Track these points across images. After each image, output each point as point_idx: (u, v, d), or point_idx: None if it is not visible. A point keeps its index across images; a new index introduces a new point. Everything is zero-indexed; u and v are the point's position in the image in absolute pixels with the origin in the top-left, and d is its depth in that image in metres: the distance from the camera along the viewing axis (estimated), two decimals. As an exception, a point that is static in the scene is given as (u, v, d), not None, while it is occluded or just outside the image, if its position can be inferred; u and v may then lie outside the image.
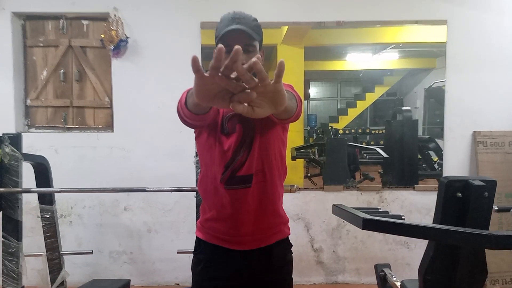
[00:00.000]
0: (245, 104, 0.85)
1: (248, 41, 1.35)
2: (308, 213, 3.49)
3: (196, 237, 1.52)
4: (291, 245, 1.57)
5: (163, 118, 3.40)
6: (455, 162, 3.49)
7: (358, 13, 3.44)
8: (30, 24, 3.54)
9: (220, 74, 0.82)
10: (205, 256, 1.47)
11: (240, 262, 1.44)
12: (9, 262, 2.46)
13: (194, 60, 0.80)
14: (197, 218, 2.56)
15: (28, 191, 2.56)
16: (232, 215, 1.41)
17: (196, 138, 1.47)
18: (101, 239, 3.49)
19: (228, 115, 1.39)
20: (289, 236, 1.56)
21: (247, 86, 0.83)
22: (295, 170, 3.79)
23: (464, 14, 3.42)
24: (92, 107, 3.54)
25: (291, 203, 3.45)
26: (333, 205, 1.59)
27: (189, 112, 1.19)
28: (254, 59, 0.78)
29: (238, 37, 1.32)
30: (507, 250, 3.04)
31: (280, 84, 0.86)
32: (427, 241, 1.53)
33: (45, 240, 2.77)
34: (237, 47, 0.77)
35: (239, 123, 1.38)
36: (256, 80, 0.81)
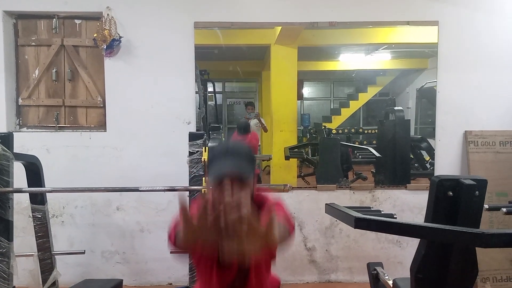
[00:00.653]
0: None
1: (242, 178, 1.33)
2: (301, 213, 3.50)
3: None
4: None
5: (156, 118, 3.39)
6: (447, 162, 3.52)
7: (350, 14, 3.45)
8: (22, 23, 3.51)
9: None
10: None
11: None
12: (0, 263, 2.43)
13: (183, 210, 0.87)
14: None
15: (19, 191, 2.54)
16: None
17: (196, 266, 1.50)
18: (93, 239, 3.47)
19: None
20: None
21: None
22: (288, 170, 3.80)
23: (455, 15, 3.45)
24: (84, 106, 3.52)
25: (285, 203, 3.45)
26: (326, 204, 1.60)
27: (179, 246, 1.23)
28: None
29: (232, 173, 1.30)
30: (498, 248, 3.08)
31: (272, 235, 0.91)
32: (419, 239, 1.54)
33: (36, 240, 2.75)
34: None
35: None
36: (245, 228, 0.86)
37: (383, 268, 2.19)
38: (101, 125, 3.51)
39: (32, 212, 2.72)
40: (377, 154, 3.80)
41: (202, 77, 3.83)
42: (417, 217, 3.48)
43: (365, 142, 4.24)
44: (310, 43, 3.73)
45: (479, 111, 3.49)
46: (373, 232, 3.36)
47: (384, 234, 3.39)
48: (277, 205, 1.41)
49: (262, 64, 4.27)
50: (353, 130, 4.32)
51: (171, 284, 3.49)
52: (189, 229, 0.87)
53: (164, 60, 3.39)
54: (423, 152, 3.80)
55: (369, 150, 3.92)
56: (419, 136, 3.82)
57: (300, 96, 3.96)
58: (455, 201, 1.42)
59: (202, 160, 2.55)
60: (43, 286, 2.70)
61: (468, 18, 3.45)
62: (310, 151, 4.00)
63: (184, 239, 0.91)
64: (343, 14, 3.45)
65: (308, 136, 4.15)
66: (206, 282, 1.43)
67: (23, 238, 3.33)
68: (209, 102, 4.19)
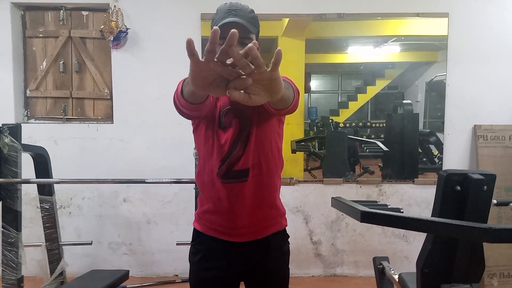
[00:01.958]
0: (241, 91, 0.84)
1: (244, 34, 1.32)
2: (308, 206, 3.50)
3: (194, 228, 1.53)
4: (288, 236, 1.57)
5: (162, 110, 3.39)
6: (455, 156, 3.48)
7: (359, 5, 3.41)
8: (29, 14, 3.52)
9: (215, 60, 0.80)
10: (203, 246, 1.47)
11: (237, 253, 1.44)
12: (9, 252, 2.46)
13: (189, 43, 0.78)
14: (195, 210, 2.56)
15: (27, 181, 2.56)
16: (229, 208, 1.41)
17: (193, 131, 1.46)
18: (100, 230, 3.50)
19: (225, 109, 1.38)
20: (286, 227, 1.56)
21: (242, 73, 0.81)
22: (295, 163, 3.78)
23: (466, 6, 3.39)
24: (91, 98, 3.53)
25: (291, 196, 3.45)
26: (332, 198, 1.59)
27: (185, 102, 1.17)
28: (250, 45, 0.77)
29: (236, 26, 1.29)
30: (505, 244, 3.05)
31: (276, 72, 0.85)
32: (426, 234, 1.53)
33: (44, 231, 2.77)
34: (233, 30, 0.75)
35: (235, 117, 1.37)
36: (252, 66, 0.80)
37: (389, 263, 2.17)
38: (108, 117, 3.53)
39: (40, 203, 2.75)
40: (385, 148, 3.77)
41: (209, 70, 3.81)
42: (424, 211, 3.46)
43: (372, 136, 4.20)
44: (318, 35, 3.69)
45: (489, 105, 3.44)
46: (379, 226, 3.35)
47: (390, 228, 3.38)
48: (284, 77, 1.39)
49: (269, 57, 4.22)
50: (360, 124, 4.28)
51: (177, 275, 3.52)
52: (196, 66, 0.82)
53: (171, 52, 3.38)
54: (431, 146, 3.76)
55: (376, 144, 3.89)
56: (428, 130, 3.78)
57: (307, 89, 3.93)
58: (463, 196, 1.40)
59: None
60: (50, 276, 2.73)
61: (478, 11, 3.40)
62: (317, 144, 3.97)
63: (191, 78, 0.86)
64: (351, 6, 3.41)
65: (315, 130, 4.12)
66: (206, 152, 1.40)
67: (31, 229, 3.37)
68: (216, 95, 4.17)
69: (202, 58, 0.82)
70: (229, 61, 0.81)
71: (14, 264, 2.47)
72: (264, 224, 1.47)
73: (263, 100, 0.89)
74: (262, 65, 0.81)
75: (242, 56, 0.78)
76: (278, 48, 0.78)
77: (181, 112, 1.26)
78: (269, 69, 0.83)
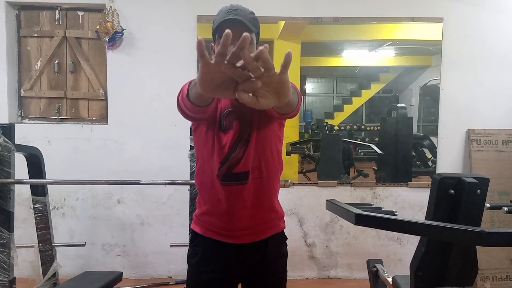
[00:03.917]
0: (250, 94, 0.84)
1: (244, 31, 1.32)
2: (302, 208, 3.50)
3: (192, 229, 1.52)
4: (286, 238, 1.58)
5: (157, 111, 3.39)
6: (449, 160, 3.51)
7: (355, 9, 3.43)
8: (24, 14, 3.50)
9: (225, 62, 0.80)
10: (201, 248, 1.47)
11: (235, 255, 1.44)
12: (1, 253, 2.44)
13: (200, 43, 0.77)
14: (191, 212, 2.56)
15: (20, 182, 2.54)
16: (228, 210, 1.41)
17: (193, 131, 1.46)
18: (94, 232, 3.48)
19: (226, 111, 1.38)
20: (284, 229, 1.56)
21: (252, 75, 0.81)
22: (289, 166, 3.79)
23: (460, 12, 3.42)
24: (86, 98, 3.52)
25: (285, 198, 3.45)
26: (326, 200, 1.60)
27: (190, 104, 1.17)
28: (261, 48, 0.77)
29: (234, 27, 1.28)
30: (498, 247, 3.07)
31: (286, 75, 0.85)
32: (419, 237, 1.54)
33: (37, 232, 2.75)
34: (245, 34, 0.76)
35: (236, 120, 1.37)
36: (262, 69, 0.80)
37: (383, 265, 2.18)
38: (103, 118, 3.51)
39: (33, 204, 2.73)
40: (379, 151, 3.79)
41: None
42: (418, 215, 3.48)
43: (367, 139, 4.22)
44: (313, 38, 3.71)
45: (482, 110, 3.47)
46: (373, 229, 3.36)
47: (384, 231, 3.39)
48: None
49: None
50: (355, 127, 4.30)
51: (170, 277, 3.50)
52: (206, 67, 0.82)
53: (166, 53, 3.38)
54: (425, 149, 3.79)
55: (371, 147, 3.91)
56: (422, 134, 3.80)
57: (302, 92, 3.94)
58: (457, 199, 1.41)
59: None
60: (43, 278, 2.71)
61: (473, 16, 3.43)
62: (311, 147, 3.98)
63: (200, 80, 0.86)
64: (347, 10, 3.43)
65: (310, 132, 4.13)
66: (206, 153, 1.40)
67: (24, 230, 3.34)
68: (211, 96, 4.17)
69: (212, 60, 0.82)
70: (239, 64, 0.81)
71: (6, 266, 2.44)
72: (263, 227, 1.47)
73: (271, 104, 0.89)
74: (272, 68, 0.81)
75: (253, 59, 0.77)
76: (288, 50, 0.78)
77: (185, 115, 1.25)
78: (279, 71, 0.83)
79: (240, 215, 1.41)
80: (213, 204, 1.43)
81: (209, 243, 1.46)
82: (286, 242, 1.58)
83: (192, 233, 1.52)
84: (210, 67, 0.82)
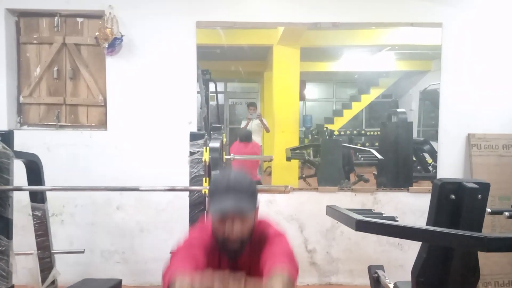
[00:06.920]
0: None
1: (243, 215, 1.37)
2: (302, 214, 3.48)
3: None
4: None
5: (157, 117, 3.38)
6: (449, 165, 3.49)
7: (354, 15, 3.43)
8: (24, 20, 3.50)
9: None
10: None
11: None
12: (-1, 261, 2.42)
13: None
14: (190, 218, 2.54)
15: (19, 189, 2.52)
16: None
17: None
18: (93, 238, 3.46)
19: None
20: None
21: None
22: (289, 171, 3.78)
23: (460, 17, 3.43)
24: (85, 105, 3.51)
25: (286, 204, 3.43)
26: (327, 206, 1.59)
27: None
28: None
29: (234, 211, 1.34)
30: (500, 253, 3.05)
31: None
32: (421, 243, 1.53)
33: (36, 239, 2.73)
34: None
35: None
36: None
37: (384, 271, 2.17)
38: (102, 124, 3.51)
39: (32, 211, 2.71)
40: (379, 156, 3.78)
41: (204, 77, 3.82)
42: (419, 220, 3.45)
43: (367, 144, 4.22)
44: (312, 44, 3.72)
45: (482, 114, 3.47)
46: (374, 235, 3.34)
47: (385, 237, 3.37)
48: (280, 237, 1.44)
49: (265, 65, 4.25)
50: (355, 132, 4.30)
51: (170, 284, 3.47)
52: None
53: (166, 59, 3.38)
54: (425, 154, 3.78)
55: (371, 152, 3.90)
56: (422, 139, 3.80)
57: (302, 97, 3.94)
58: (458, 204, 1.40)
59: (203, 160, 2.53)
60: (42, 285, 2.69)
61: (472, 21, 3.43)
62: (311, 152, 3.98)
63: None
64: (346, 15, 3.43)
65: (310, 138, 4.14)
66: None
67: (23, 237, 3.31)
68: (211, 102, 4.18)
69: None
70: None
71: (4, 273, 2.42)
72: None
73: None
74: None
75: None
76: None
77: None
78: None
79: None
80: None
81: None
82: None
83: None
84: None
